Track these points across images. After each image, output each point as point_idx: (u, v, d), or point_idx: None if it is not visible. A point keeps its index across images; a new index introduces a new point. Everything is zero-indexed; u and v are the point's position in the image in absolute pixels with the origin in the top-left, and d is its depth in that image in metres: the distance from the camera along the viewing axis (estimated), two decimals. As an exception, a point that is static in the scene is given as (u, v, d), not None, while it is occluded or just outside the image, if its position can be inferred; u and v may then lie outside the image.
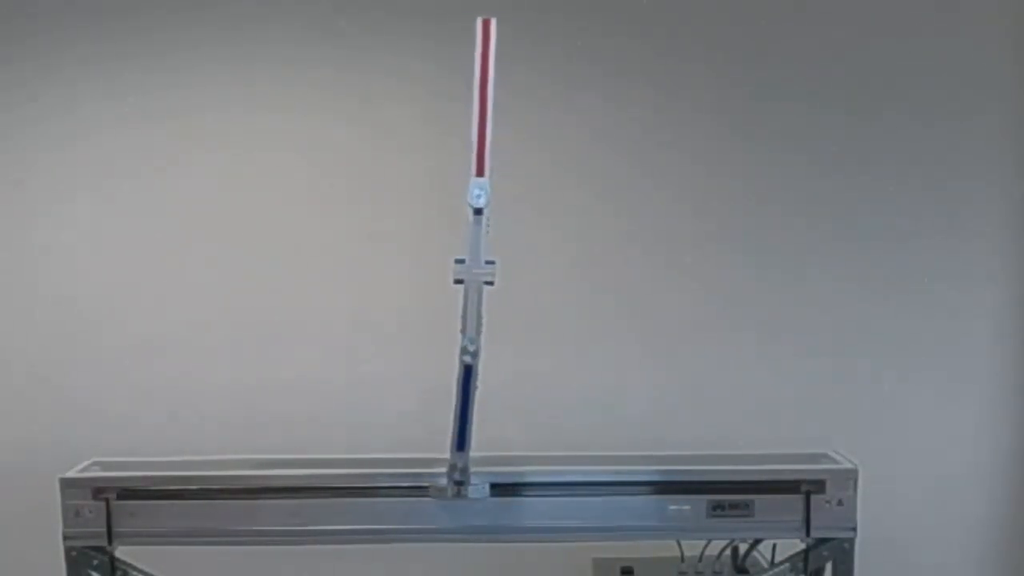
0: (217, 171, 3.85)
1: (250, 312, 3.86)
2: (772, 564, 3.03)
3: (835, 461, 2.94)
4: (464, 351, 2.64)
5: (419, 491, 2.87)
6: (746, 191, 3.84)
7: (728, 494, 2.87)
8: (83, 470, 2.94)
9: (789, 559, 2.92)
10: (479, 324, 2.63)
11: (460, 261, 2.60)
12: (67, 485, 2.88)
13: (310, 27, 3.81)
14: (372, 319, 3.87)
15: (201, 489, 2.89)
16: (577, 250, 3.84)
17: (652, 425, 3.75)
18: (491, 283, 2.61)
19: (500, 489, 2.88)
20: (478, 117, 2.54)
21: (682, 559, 3.14)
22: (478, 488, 2.81)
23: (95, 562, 2.88)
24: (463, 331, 2.63)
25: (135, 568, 2.96)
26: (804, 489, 2.85)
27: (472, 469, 2.85)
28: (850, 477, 2.87)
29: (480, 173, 2.55)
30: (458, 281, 2.60)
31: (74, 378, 3.85)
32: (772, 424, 3.76)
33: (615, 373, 3.85)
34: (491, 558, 3.37)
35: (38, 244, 3.87)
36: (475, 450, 3.00)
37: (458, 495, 2.81)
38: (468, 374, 2.66)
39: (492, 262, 2.60)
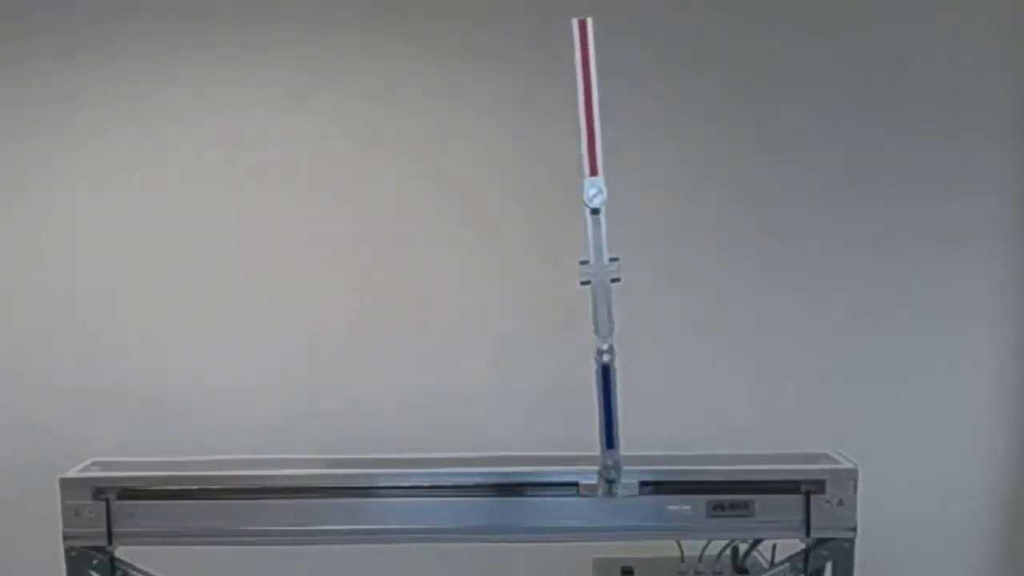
0: (219, 171, 3.85)
1: (251, 312, 3.86)
2: (772, 564, 3.03)
3: (835, 461, 2.94)
4: (600, 351, 2.66)
5: (418, 491, 2.88)
6: (747, 193, 3.84)
7: (728, 494, 2.87)
8: (83, 470, 2.94)
9: (789, 559, 2.92)
10: (611, 323, 2.63)
11: (584, 262, 2.62)
12: (67, 485, 2.88)
13: (312, 26, 3.81)
14: (372, 320, 3.87)
15: (201, 489, 2.90)
16: (576, 249, 3.83)
17: (652, 425, 3.75)
18: (617, 280, 2.62)
19: (500, 489, 2.88)
20: (585, 117, 2.55)
21: (682, 559, 3.13)
22: (629, 487, 2.82)
23: (95, 562, 2.88)
24: (597, 331, 2.65)
25: (135, 568, 2.96)
26: (804, 489, 2.85)
27: (476, 469, 2.87)
28: (850, 477, 2.87)
29: (593, 172, 2.56)
30: (584, 282, 2.62)
31: (74, 378, 3.84)
32: (772, 424, 3.76)
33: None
34: (491, 558, 3.37)
35: (38, 244, 3.86)
36: (473, 450, 3.01)
37: (609, 493, 2.82)
38: (607, 374, 2.68)
39: (616, 259, 2.62)
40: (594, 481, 2.84)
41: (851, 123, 3.81)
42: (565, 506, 2.88)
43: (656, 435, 3.59)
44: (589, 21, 2.54)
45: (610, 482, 2.81)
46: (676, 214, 3.86)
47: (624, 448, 2.94)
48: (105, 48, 3.79)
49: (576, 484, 2.87)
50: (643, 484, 2.87)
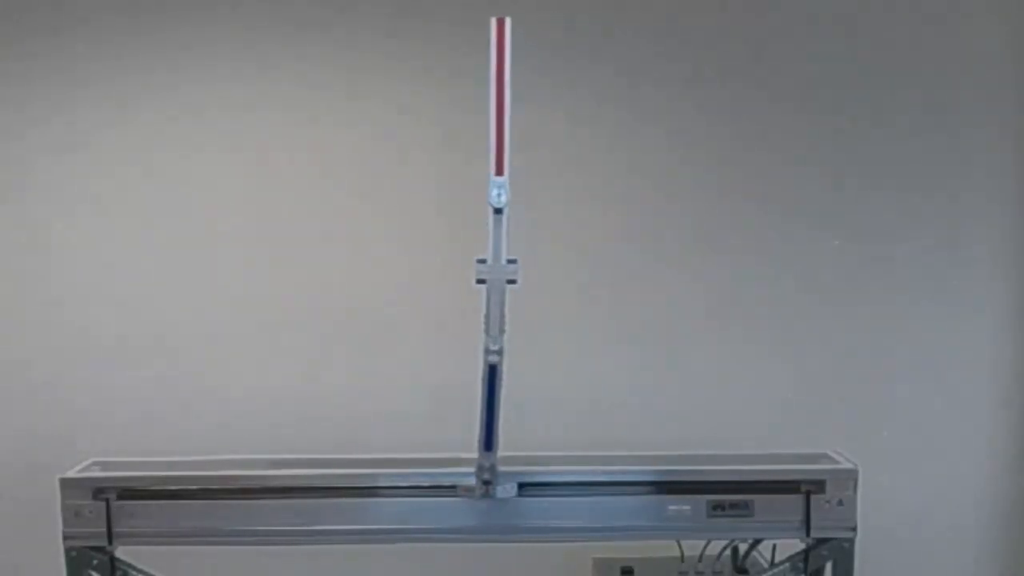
0: (219, 171, 3.84)
1: (252, 313, 3.85)
2: (772, 564, 3.03)
3: (835, 461, 2.95)
4: (488, 351, 2.63)
5: (418, 491, 2.88)
6: (747, 193, 3.84)
7: (728, 494, 2.87)
8: (83, 470, 2.94)
9: (789, 559, 2.92)
10: (502, 324, 2.62)
11: (482, 261, 2.58)
12: (67, 485, 2.88)
13: (315, 28, 3.80)
14: (374, 320, 3.87)
15: (201, 489, 2.90)
16: (577, 250, 3.84)
17: (652, 425, 3.75)
18: (514, 282, 2.59)
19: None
20: (495, 117, 2.54)
21: (682, 559, 3.14)
22: (506, 488, 2.82)
23: (95, 562, 2.88)
24: (487, 331, 2.62)
25: (135, 568, 2.96)
26: (804, 489, 2.86)
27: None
28: (850, 477, 2.87)
29: (499, 172, 2.54)
30: (480, 281, 2.59)
31: (74, 378, 3.84)
32: (772, 424, 3.76)
33: (615, 374, 3.85)
34: (491, 558, 3.37)
35: (37, 244, 3.86)
36: (474, 450, 3.01)
37: (486, 495, 2.81)
38: (493, 374, 2.65)
39: (514, 261, 2.58)
40: (471, 482, 2.83)
41: (851, 122, 3.81)
42: (565, 506, 2.88)
43: (656, 434, 3.60)
44: (507, 20, 2.53)
45: (486, 483, 2.80)
46: (676, 212, 3.85)
47: (625, 447, 2.95)
48: (108, 47, 3.79)
49: (587, 484, 2.88)
50: (644, 484, 2.88)
